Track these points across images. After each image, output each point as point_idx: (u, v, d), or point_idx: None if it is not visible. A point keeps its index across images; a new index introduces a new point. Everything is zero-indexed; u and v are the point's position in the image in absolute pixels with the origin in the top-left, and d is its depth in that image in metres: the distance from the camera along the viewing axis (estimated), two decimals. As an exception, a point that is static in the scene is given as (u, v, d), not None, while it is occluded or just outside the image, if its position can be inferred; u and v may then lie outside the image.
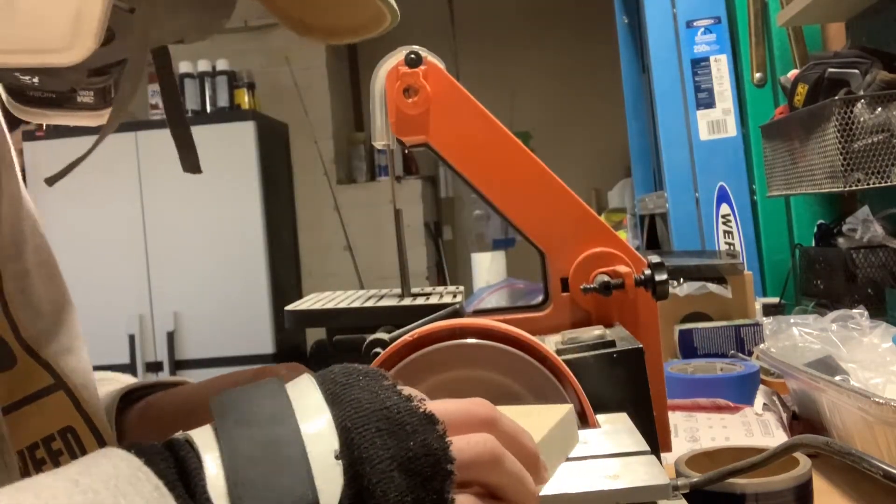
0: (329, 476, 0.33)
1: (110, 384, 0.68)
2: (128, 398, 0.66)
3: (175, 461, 0.34)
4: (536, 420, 0.47)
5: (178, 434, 0.36)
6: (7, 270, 0.55)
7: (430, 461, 0.35)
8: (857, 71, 1.42)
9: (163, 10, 0.45)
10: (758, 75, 2.08)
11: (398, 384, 0.39)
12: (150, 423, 0.63)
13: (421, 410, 0.37)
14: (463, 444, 0.37)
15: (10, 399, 0.53)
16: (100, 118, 0.55)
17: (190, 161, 0.60)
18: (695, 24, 2.17)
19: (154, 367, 3.79)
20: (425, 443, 0.35)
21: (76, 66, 0.47)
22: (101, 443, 0.57)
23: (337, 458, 0.34)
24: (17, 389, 0.54)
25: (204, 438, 0.35)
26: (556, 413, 0.49)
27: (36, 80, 0.49)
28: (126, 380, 0.71)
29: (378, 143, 0.78)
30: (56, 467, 0.53)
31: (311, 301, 0.76)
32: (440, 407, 0.38)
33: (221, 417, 0.36)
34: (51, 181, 0.54)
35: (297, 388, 0.39)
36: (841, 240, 1.59)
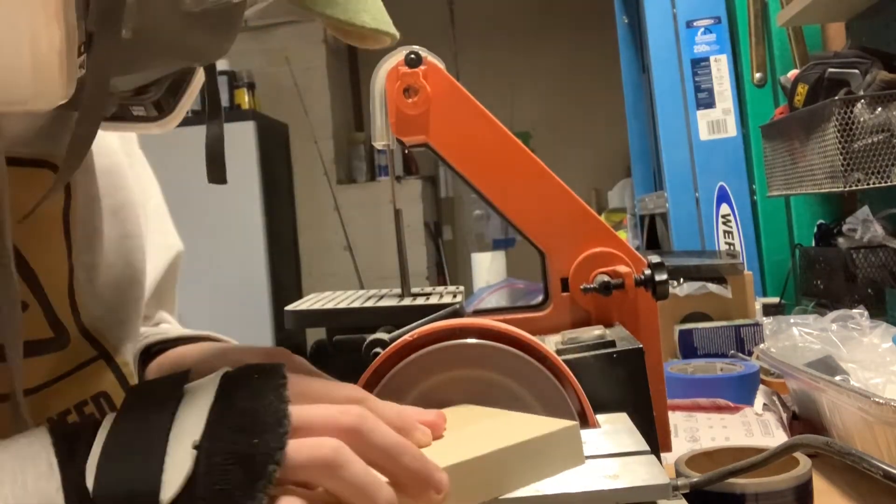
0: (180, 462, 0.37)
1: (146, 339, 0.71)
2: (150, 352, 0.67)
3: (75, 441, 0.39)
4: (514, 428, 0.46)
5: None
6: (79, 262, 0.58)
7: (262, 460, 0.38)
8: (857, 71, 1.42)
9: (156, 47, 0.44)
10: (758, 75, 2.08)
11: (285, 385, 0.42)
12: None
13: (280, 411, 0.40)
14: (298, 447, 0.39)
15: (55, 373, 0.55)
16: (166, 125, 0.59)
17: (217, 171, 0.61)
18: (695, 24, 2.17)
19: (154, 367, 3.80)
20: (265, 442, 0.38)
21: (111, 90, 0.49)
22: None
23: (194, 447, 0.38)
24: (64, 364, 0.56)
25: (107, 422, 0.40)
26: (546, 427, 0.47)
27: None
28: (166, 329, 0.72)
29: (378, 143, 0.78)
30: None
31: (311, 301, 0.76)
32: (304, 412, 0.41)
33: (128, 403, 0.42)
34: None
35: (202, 383, 0.42)
36: (841, 240, 1.59)
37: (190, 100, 0.59)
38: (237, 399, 0.41)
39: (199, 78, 0.58)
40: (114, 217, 0.62)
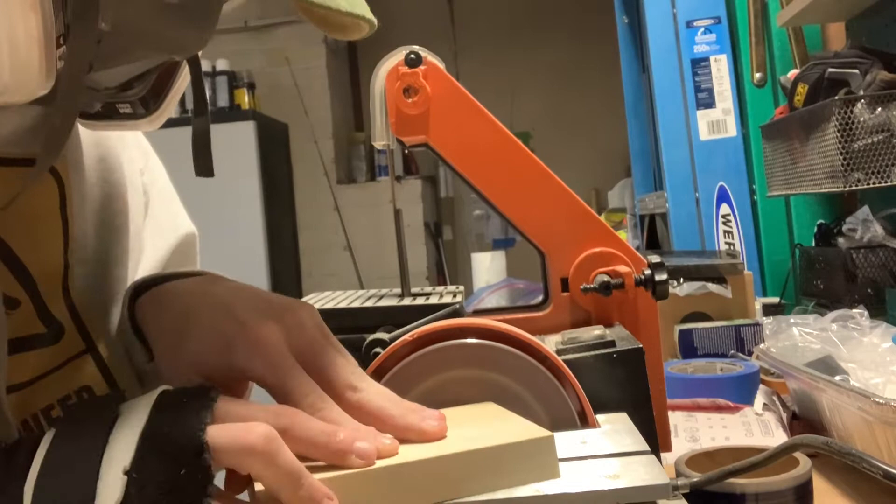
0: (112, 488, 0.38)
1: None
2: (139, 291, 0.64)
3: (14, 457, 0.40)
4: (487, 433, 0.46)
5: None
6: (74, 258, 0.57)
7: (193, 490, 0.40)
8: (857, 71, 1.42)
9: (129, 39, 0.44)
10: (758, 75, 2.08)
11: (210, 409, 0.42)
12: (161, 312, 0.59)
13: (197, 439, 0.41)
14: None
15: (45, 368, 0.55)
16: (153, 123, 0.57)
17: (204, 164, 0.60)
18: (695, 24, 2.17)
19: (154, 367, 3.80)
20: (192, 472, 0.40)
21: (94, 87, 0.48)
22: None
23: (125, 473, 0.39)
24: (55, 358, 0.56)
25: (46, 439, 0.41)
26: (516, 435, 0.46)
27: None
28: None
29: (378, 143, 0.78)
30: None
31: (310, 301, 0.76)
32: (218, 434, 0.41)
33: (65, 421, 0.44)
34: None
35: (136, 404, 0.43)
36: (841, 240, 1.59)
37: (177, 97, 0.58)
38: (165, 425, 0.41)
39: (186, 75, 0.58)
40: (104, 203, 0.62)
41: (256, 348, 0.48)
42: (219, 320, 0.50)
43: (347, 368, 0.49)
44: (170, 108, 0.58)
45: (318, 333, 0.51)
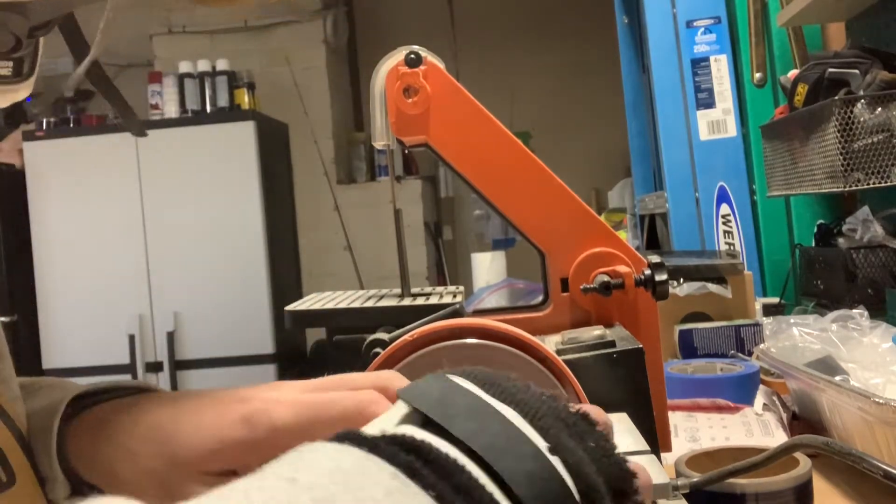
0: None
1: (53, 390, 0.58)
2: (80, 403, 0.56)
3: (401, 447, 0.31)
4: None
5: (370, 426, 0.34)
6: None
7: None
8: (857, 71, 1.42)
9: None
10: (758, 75, 2.08)
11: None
12: (87, 435, 0.52)
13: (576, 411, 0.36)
14: None
15: None
16: (14, 94, 0.50)
17: (134, 122, 0.56)
18: (695, 24, 2.17)
19: (154, 367, 3.79)
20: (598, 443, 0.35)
21: (22, 14, 0.44)
22: (32, 459, 0.51)
23: (551, 452, 0.32)
24: None
25: (413, 431, 0.32)
26: None
27: None
28: (72, 387, 0.59)
29: (378, 143, 0.78)
30: None
31: (311, 301, 0.76)
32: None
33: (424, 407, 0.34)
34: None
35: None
36: (841, 240, 1.59)
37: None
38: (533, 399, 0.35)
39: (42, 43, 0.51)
40: None
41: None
42: (153, 458, 0.47)
43: None
44: (35, 75, 0.51)
45: None
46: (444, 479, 0.29)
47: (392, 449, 0.30)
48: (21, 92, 0.50)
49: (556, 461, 0.32)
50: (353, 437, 0.31)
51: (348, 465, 0.29)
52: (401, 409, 0.35)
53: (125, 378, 0.61)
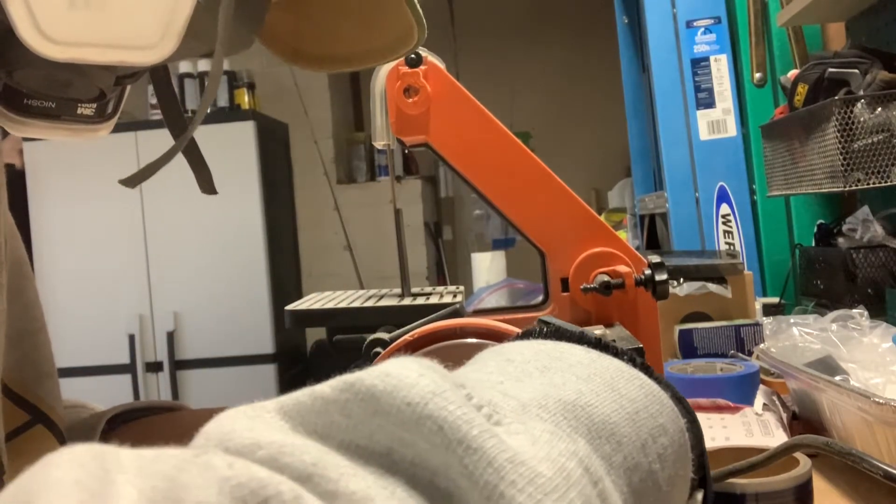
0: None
1: (82, 411, 0.60)
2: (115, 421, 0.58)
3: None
4: None
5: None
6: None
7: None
8: (857, 71, 1.42)
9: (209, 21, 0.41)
10: (758, 75, 2.08)
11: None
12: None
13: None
14: None
15: None
16: (94, 134, 0.51)
17: (206, 181, 0.57)
18: (695, 24, 2.17)
19: (154, 366, 3.79)
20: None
21: (108, 70, 0.44)
22: None
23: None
24: None
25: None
26: None
27: (71, 77, 0.45)
28: (99, 408, 0.61)
29: (378, 143, 0.78)
30: None
31: (311, 301, 0.76)
32: None
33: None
34: (130, 183, 0.50)
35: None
36: (841, 240, 1.59)
37: (212, 96, 0.54)
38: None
39: (219, 73, 0.54)
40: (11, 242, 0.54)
41: None
42: None
43: None
44: (115, 119, 0.52)
45: None
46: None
47: (576, 334, 0.40)
48: (101, 132, 0.50)
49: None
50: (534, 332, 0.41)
51: (549, 347, 0.38)
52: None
53: (153, 400, 0.62)
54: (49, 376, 0.54)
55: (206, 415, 0.52)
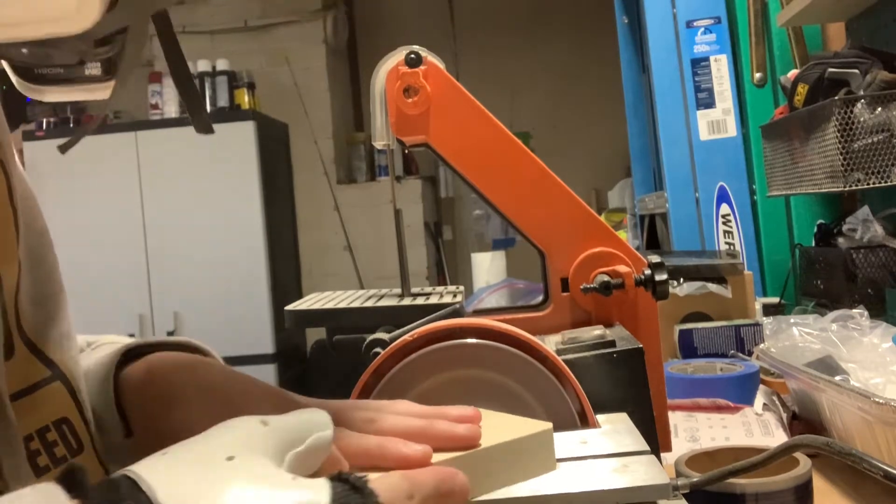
0: None
1: (105, 348, 0.64)
2: (128, 355, 0.61)
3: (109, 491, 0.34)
4: (498, 431, 0.46)
5: (121, 472, 0.36)
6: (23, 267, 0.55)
7: None
8: (857, 71, 1.42)
9: None
10: (758, 75, 2.08)
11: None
12: (153, 389, 0.57)
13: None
14: None
15: (8, 391, 0.52)
16: (106, 90, 0.53)
17: (202, 122, 0.58)
18: (695, 24, 2.17)
19: (154, 367, 3.79)
20: None
21: (84, 36, 0.46)
22: (90, 435, 0.56)
23: None
24: (14, 381, 0.52)
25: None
26: (525, 429, 0.46)
27: (48, 51, 0.47)
28: (124, 340, 0.65)
29: (378, 143, 0.78)
30: (51, 459, 0.50)
31: (311, 301, 0.76)
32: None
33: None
34: (63, 148, 0.52)
35: None
36: (841, 240, 1.59)
37: (137, 60, 0.52)
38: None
39: (144, 36, 0.55)
40: (27, 202, 0.58)
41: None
42: (207, 397, 0.51)
43: (358, 413, 0.48)
44: (124, 75, 0.53)
45: None
46: None
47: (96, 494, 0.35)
48: (107, 91, 0.52)
49: None
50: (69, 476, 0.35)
51: None
52: None
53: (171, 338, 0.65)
54: (68, 337, 0.58)
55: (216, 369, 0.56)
